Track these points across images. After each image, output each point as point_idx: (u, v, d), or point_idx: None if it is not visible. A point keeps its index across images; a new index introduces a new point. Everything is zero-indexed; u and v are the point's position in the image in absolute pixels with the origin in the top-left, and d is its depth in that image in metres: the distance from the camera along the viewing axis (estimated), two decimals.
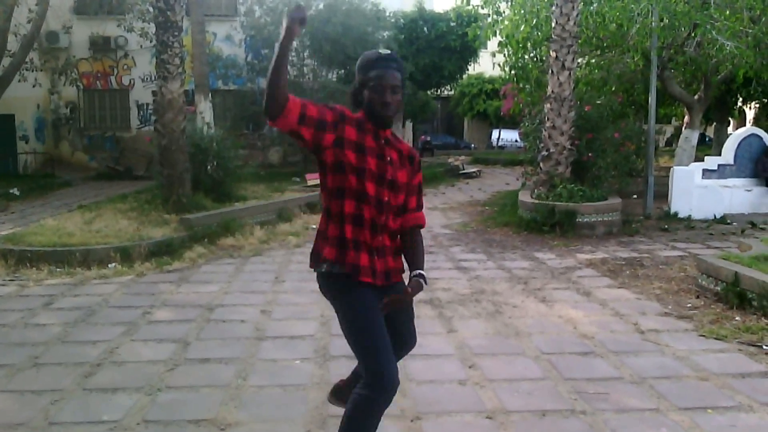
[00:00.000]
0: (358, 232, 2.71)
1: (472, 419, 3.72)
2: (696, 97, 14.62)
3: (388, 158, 2.75)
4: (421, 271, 2.83)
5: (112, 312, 5.88)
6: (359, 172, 2.67)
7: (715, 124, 21.05)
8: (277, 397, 4.04)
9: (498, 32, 13.32)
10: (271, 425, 3.67)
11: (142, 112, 19.63)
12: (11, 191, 14.13)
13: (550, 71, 10.77)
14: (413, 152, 2.92)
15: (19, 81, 16.09)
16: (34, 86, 17.52)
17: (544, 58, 13.11)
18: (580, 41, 11.43)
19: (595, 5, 12.17)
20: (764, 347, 4.83)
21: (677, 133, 24.64)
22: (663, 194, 11.79)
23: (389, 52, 2.75)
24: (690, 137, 14.37)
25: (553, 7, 10.73)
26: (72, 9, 18.79)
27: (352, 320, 2.70)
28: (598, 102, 12.47)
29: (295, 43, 17.73)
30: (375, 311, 2.68)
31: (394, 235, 2.87)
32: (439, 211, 12.43)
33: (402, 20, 21.23)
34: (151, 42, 13.96)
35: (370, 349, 2.64)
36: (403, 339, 3.00)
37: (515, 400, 3.98)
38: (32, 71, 16.77)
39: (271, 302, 6.10)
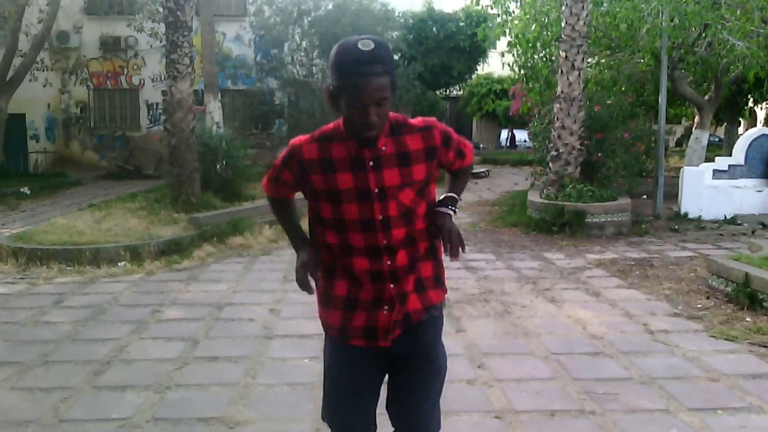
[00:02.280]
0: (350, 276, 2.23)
1: (480, 419, 3.72)
2: (706, 97, 14.54)
3: (370, 162, 2.12)
4: (454, 195, 2.35)
5: (121, 310, 5.91)
6: (332, 196, 2.15)
7: (725, 124, 20.92)
8: (285, 395, 4.04)
9: (507, 32, 13.29)
10: (279, 424, 3.68)
11: (152, 112, 19.68)
12: (22, 190, 14.22)
13: (559, 71, 10.75)
14: (430, 139, 2.20)
15: (30, 81, 16.19)
16: (44, 86, 17.63)
17: (553, 58, 13.08)
18: (590, 41, 11.39)
19: (605, 5, 12.14)
20: None
21: (687, 133, 24.51)
22: (673, 195, 11.73)
23: (371, 45, 1.98)
24: (700, 138, 14.29)
25: (563, 7, 10.70)
26: (82, 9, 18.86)
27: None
28: (608, 102, 12.42)
29: (304, 43, 17.84)
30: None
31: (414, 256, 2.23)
32: None
33: (411, 20, 21.18)
34: (160, 42, 14.02)
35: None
36: (410, 424, 2.36)
37: (524, 400, 3.97)
38: (43, 71, 16.89)
39: (280, 301, 6.11)
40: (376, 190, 2.11)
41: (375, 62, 1.97)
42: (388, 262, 2.16)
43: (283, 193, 2.38)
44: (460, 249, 2.22)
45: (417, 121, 2.23)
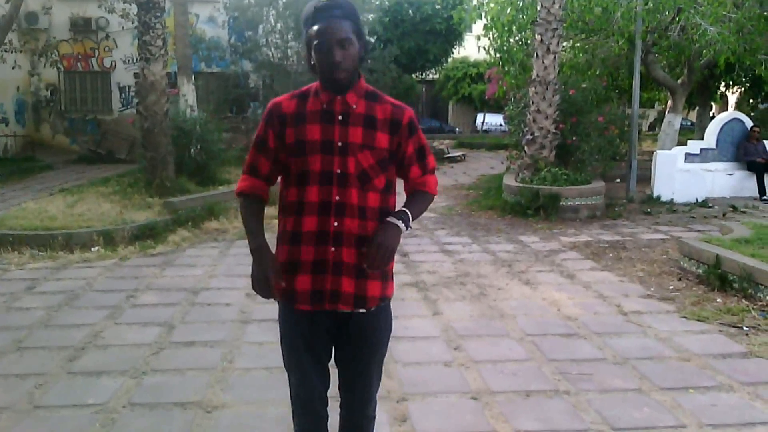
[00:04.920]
0: (300, 225, 2.28)
1: (457, 400, 3.75)
2: (679, 81, 14.69)
3: (339, 117, 2.22)
4: (406, 210, 2.31)
5: (95, 296, 5.85)
6: (299, 147, 2.24)
7: (697, 108, 21.17)
8: (262, 379, 4.04)
9: (483, 15, 13.29)
10: (257, 407, 3.68)
11: (124, 95, 19.37)
12: None
13: (535, 55, 10.78)
14: (398, 114, 2.28)
15: None
16: (13, 68, 17.23)
17: (529, 42, 13.11)
18: (565, 25, 11.43)
19: None
20: (745, 328, 4.91)
21: (660, 117, 24.76)
22: (646, 178, 11.88)
23: None
24: (673, 121, 14.46)
25: None
26: None
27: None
28: (583, 86, 12.50)
29: (279, 25, 17.67)
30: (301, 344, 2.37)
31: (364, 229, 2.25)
32: None
33: (387, 2, 21.10)
34: (132, 23, 13.75)
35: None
36: (346, 386, 2.49)
37: (500, 381, 4.01)
38: (11, 53, 16.49)
39: None
40: (339, 144, 2.21)
41: (333, 7, 2.16)
42: (335, 224, 2.22)
43: (262, 174, 2.39)
44: (378, 265, 2.22)
45: (394, 100, 2.32)
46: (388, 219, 2.26)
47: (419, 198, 2.41)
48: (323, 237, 2.23)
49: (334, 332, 2.37)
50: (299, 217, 2.26)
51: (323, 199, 2.22)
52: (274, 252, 2.36)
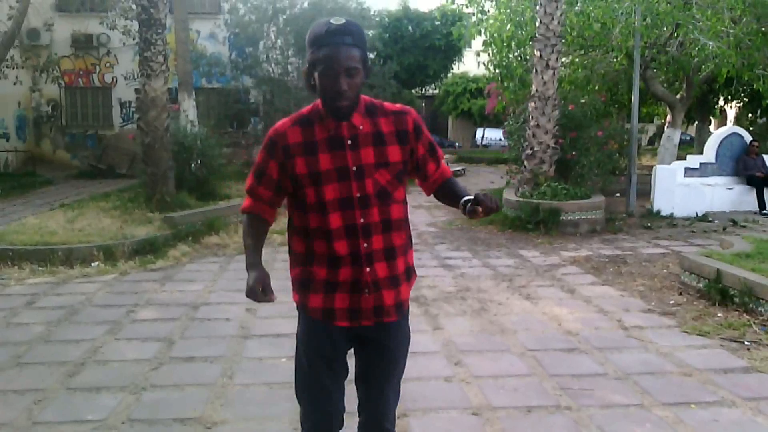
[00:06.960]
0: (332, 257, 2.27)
1: (458, 415, 3.74)
2: (678, 96, 14.74)
3: (348, 141, 2.20)
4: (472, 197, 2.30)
5: (95, 311, 5.84)
6: (314, 178, 2.20)
7: (696, 123, 21.24)
8: (263, 395, 4.02)
9: (482, 31, 13.36)
10: (257, 423, 3.66)
11: (125, 110, 19.44)
12: None
13: (534, 70, 10.82)
14: (402, 123, 2.28)
15: (0, 78, 15.91)
16: (15, 84, 17.33)
17: (528, 57, 13.17)
18: (564, 40, 11.49)
19: (579, 5, 12.25)
20: (746, 343, 4.89)
21: (659, 132, 24.82)
22: (646, 192, 11.89)
23: (343, 21, 2.13)
24: (672, 136, 14.49)
25: (538, 7, 10.78)
26: (53, 6, 18.56)
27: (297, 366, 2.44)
28: (582, 101, 12.55)
29: (279, 41, 17.75)
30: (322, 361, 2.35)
31: (393, 236, 2.31)
32: (424, 209, 12.44)
33: (387, 19, 21.22)
34: (134, 40, 13.86)
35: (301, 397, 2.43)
36: (368, 403, 2.51)
37: (501, 396, 3.99)
38: (13, 68, 16.58)
39: None
40: (354, 168, 2.19)
41: (345, 33, 2.11)
42: (365, 245, 2.22)
43: (264, 199, 2.35)
44: (495, 202, 2.30)
45: (393, 105, 2.33)
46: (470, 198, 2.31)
47: (453, 183, 2.46)
48: (356, 258, 2.23)
49: (358, 348, 2.41)
50: (329, 242, 2.23)
51: (347, 223, 2.21)
52: (302, 271, 2.34)
